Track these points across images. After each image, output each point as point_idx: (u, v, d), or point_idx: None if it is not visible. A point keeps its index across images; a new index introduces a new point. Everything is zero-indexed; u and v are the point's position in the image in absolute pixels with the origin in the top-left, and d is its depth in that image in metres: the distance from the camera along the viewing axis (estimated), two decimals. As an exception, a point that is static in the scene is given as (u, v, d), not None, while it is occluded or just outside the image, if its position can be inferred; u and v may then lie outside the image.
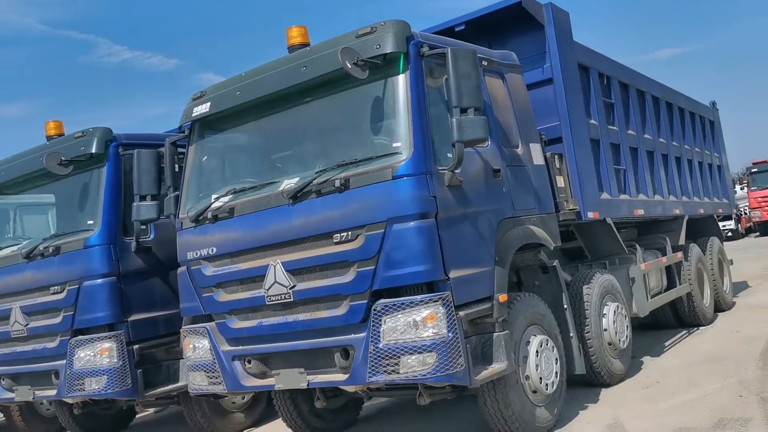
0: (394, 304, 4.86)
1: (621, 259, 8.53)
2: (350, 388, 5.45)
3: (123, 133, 7.22)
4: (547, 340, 5.93)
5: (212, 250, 5.80)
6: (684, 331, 9.90)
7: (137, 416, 9.38)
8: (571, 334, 6.44)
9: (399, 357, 4.82)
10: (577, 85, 7.55)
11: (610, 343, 7.25)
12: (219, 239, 5.78)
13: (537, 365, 5.72)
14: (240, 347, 5.71)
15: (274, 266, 5.38)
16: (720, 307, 11.24)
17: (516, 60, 6.67)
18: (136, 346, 6.80)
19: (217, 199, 5.86)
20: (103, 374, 6.65)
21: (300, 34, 5.87)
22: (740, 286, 14.18)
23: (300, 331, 5.33)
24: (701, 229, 11.98)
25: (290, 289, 5.32)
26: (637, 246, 8.56)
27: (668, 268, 9.57)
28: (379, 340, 4.88)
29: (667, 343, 9.20)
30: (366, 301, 4.98)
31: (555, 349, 6.02)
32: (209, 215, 5.82)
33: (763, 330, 9.15)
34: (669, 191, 10.06)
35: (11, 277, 7.37)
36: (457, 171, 5.21)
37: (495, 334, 5.33)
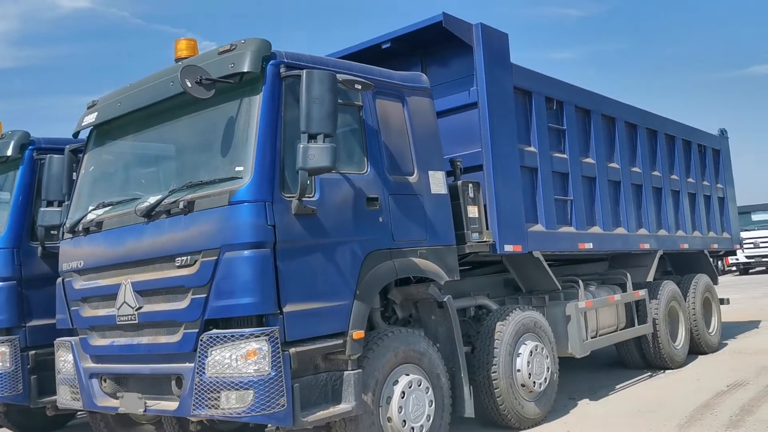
0: (218, 336, 4.65)
1: (567, 294, 8.09)
2: (195, 418, 5.25)
3: (43, 137, 7.24)
4: (420, 380, 5.59)
5: (80, 264, 5.73)
6: (647, 374, 9.33)
7: (78, 415, 9.39)
8: (462, 375, 6.07)
9: (220, 391, 4.61)
10: (510, 110, 7.16)
11: (523, 385, 6.83)
12: (87, 253, 5.70)
13: (401, 407, 5.40)
14: (98, 365, 5.61)
15: (125, 285, 5.26)
16: (701, 349, 10.56)
17: (424, 82, 6.35)
18: (32, 352, 6.79)
19: (91, 211, 5.78)
20: (-5, 377, 6.65)
21: (188, 47, 5.71)
22: (748, 326, 13.39)
23: (143, 354, 5.18)
24: (690, 265, 11.31)
25: (136, 310, 5.17)
26: (580, 281, 8.07)
27: (630, 305, 9.03)
28: (204, 372, 4.67)
29: (619, 386, 8.67)
30: (197, 330, 4.79)
31: (430, 391, 5.67)
32: (81, 228, 5.75)
33: (725, 380, 8.53)
34: (639, 224, 9.50)
35: None
36: (311, 198, 4.98)
37: (345, 373, 5.05)
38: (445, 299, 6.04)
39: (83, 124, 6.07)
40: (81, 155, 6.30)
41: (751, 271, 31.04)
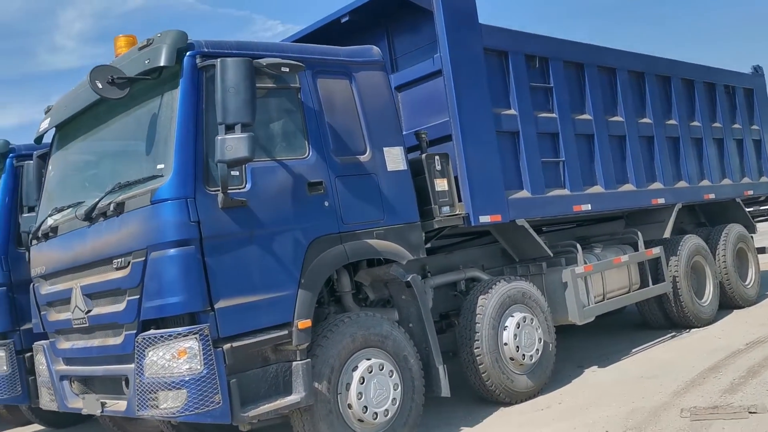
0: (152, 337, 4.63)
1: (568, 259, 7.76)
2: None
3: (24, 144, 7.36)
4: (382, 364, 5.44)
5: (43, 269, 5.83)
6: (670, 334, 8.89)
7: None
8: (435, 354, 5.89)
9: (158, 391, 4.60)
10: (481, 74, 6.79)
11: (512, 359, 6.59)
12: (47, 258, 5.79)
13: (360, 393, 5.28)
14: (66, 367, 5.73)
15: (76, 289, 5.31)
16: (736, 303, 10.00)
17: (375, 55, 6.09)
18: (27, 354, 6.98)
19: (48, 216, 5.85)
20: (-6, 381, 6.89)
21: (127, 43, 5.63)
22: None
23: (97, 356, 5.24)
24: (720, 215, 10.67)
25: (86, 313, 5.22)
26: (578, 245, 7.70)
27: (644, 265, 8.59)
28: (143, 373, 4.67)
29: (635, 350, 8.30)
30: (135, 332, 4.79)
31: (395, 374, 5.52)
32: (41, 233, 5.83)
33: (747, 337, 8.05)
34: (651, 178, 8.98)
35: None
36: (241, 189, 4.87)
37: (294, 363, 4.97)
38: (409, 278, 5.85)
39: (40, 130, 6.13)
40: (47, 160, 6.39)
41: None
